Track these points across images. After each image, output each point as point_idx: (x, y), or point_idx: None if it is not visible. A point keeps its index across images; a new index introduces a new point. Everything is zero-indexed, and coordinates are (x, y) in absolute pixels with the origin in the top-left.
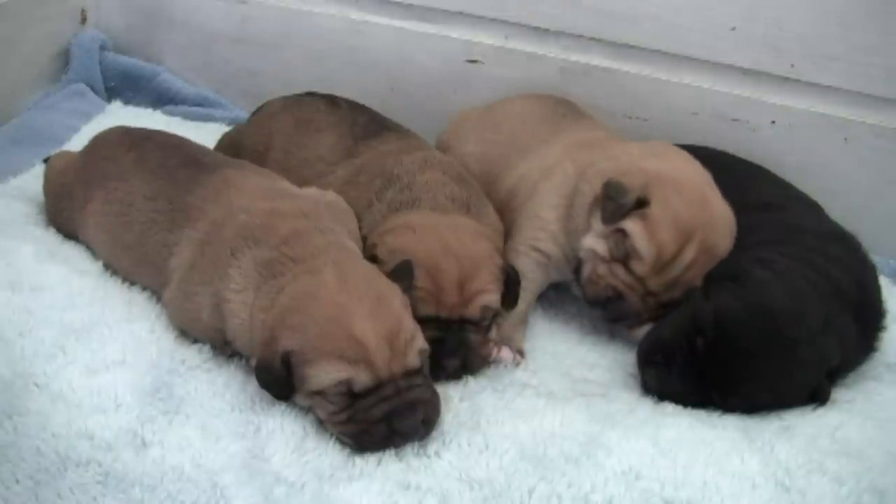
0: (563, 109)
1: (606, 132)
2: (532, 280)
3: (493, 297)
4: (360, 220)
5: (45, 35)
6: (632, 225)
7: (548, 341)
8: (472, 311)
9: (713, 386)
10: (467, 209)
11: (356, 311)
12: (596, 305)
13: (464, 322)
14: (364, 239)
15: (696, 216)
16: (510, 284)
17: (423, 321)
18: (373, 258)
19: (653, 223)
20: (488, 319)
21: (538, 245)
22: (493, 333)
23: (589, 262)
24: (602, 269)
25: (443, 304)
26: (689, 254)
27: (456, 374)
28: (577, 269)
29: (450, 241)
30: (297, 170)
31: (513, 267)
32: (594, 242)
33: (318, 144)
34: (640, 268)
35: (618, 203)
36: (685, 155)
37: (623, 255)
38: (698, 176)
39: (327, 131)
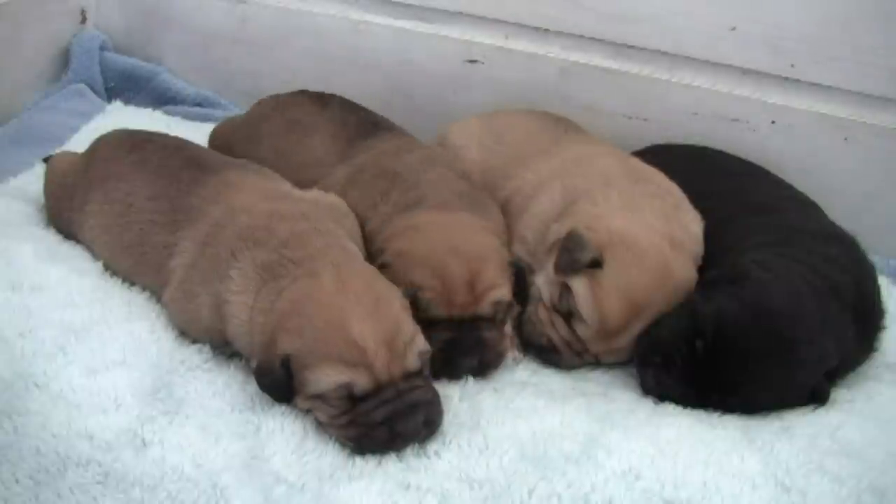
0: (560, 125)
1: (604, 146)
2: None
3: (503, 291)
4: (363, 221)
5: (45, 35)
6: (579, 285)
7: None
8: (484, 307)
9: (712, 387)
10: (473, 205)
11: (354, 314)
12: (528, 348)
13: (477, 320)
14: (366, 240)
15: (652, 290)
16: (520, 278)
17: (436, 323)
18: (381, 265)
19: (601, 289)
20: (502, 313)
21: (520, 251)
22: (509, 328)
23: (533, 301)
24: (543, 314)
25: (454, 304)
26: (638, 326)
27: (474, 372)
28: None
29: (456, 239)
30: (290, 174)
31: (519, 261)
32: (542, 285)
33: (308, 148)
34: (582, 330)
35: (573, 257)
36: (667, 207)
37: (566, 312)
38: (665, 240)
39: (318, 134)
